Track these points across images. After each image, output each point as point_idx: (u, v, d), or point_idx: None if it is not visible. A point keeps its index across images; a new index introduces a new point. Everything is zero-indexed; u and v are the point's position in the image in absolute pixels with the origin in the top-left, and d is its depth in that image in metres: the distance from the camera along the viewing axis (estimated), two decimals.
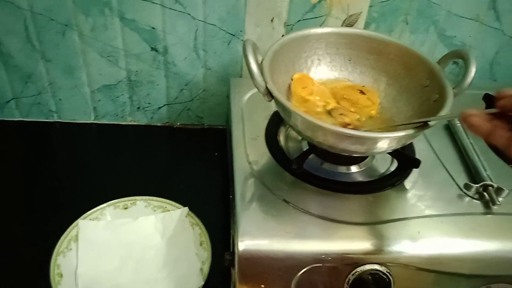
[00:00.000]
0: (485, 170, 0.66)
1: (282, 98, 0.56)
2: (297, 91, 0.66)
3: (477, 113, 0.44)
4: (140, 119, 0.92)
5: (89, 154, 0.86)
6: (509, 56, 0.89)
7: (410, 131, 0.53)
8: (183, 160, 0.86)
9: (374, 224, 0.58)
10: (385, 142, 0.55)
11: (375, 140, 0.54)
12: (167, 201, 0.71)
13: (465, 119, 0.44)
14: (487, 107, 0.80)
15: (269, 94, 0.58)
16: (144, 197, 0.71)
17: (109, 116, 0.91)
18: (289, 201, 0.59)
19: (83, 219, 0.66)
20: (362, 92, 0.69)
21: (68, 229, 0.65)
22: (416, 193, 0.64)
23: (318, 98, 0.66)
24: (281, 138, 0.72)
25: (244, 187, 0.62)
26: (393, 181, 0.64)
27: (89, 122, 0.91)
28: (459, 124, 0.75)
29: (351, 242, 0.56)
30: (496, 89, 0.43)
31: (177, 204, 0.70)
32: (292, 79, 0.67)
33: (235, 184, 0.62)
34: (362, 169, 0.68)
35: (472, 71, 0.59)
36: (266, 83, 0.58)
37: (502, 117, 0.43)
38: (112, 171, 0.82)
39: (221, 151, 0.86)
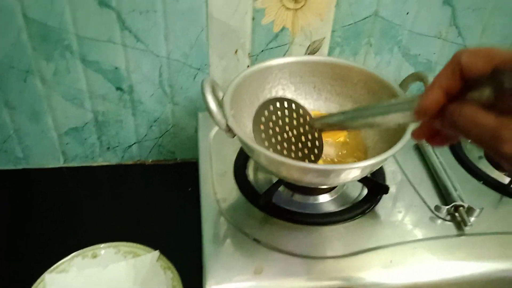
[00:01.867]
0: (456, 190, 0.65)
1: (243, 134, 0.55)
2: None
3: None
4: (111, 159, 0.91)
5: (59, 200, 0.84)
6: None
7: (371, 161, 0.52)
8: (156, 198, 0.85)
9: (346, 256, 0.57)
10: (349, 173, 0.54)
11: (339, 172, 0.53)
12: (137, 245, 0.69)
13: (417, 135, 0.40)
14: None
15: (231, 131, 0.57)
16: (113, 243, 0.69)
17: (79, 158, 0.89)
18: (259, 240, 0.58)
19: (50, 272, 0.64)
20: None
21: (34, 285, 0.62)
22: (388, 219, 0.63)
23: None
24: (250, 172, 0.71)
25: (212, 227, 0.61)
26: (364, 208, 0.63)
27: (58, 166, 0.89)
28: (428, 144, 0.75)
29: (325, 278, 0.54)
30: None
31: (147, 248, 0.69)
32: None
33: (203, 225, 0.61)
34: (333, 197, 0.67)
35: None
36: (226, 120, 0.57)
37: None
38: (83, 217, 0.80)
39: (195, 186, 0.85)
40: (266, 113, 0.58)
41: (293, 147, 0.58)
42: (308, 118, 0.60)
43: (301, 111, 0.60)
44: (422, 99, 0.34)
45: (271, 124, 0.58)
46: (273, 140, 0.57)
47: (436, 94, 0.33)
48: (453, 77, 0.32)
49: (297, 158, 0.58)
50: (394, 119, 0.43)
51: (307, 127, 0.60)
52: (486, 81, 0.30)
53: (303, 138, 0.59)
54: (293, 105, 0.60)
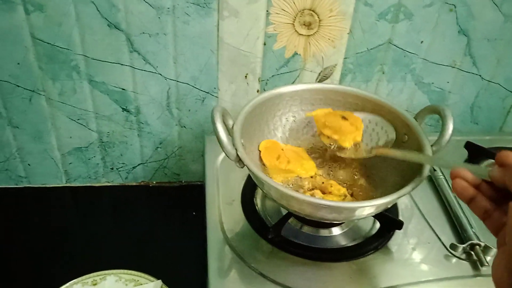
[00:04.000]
0: (471, 227, 0.63)
1: (253, 166, 0.54)
2: (272, 164, 0.63)
3: (465, 174, 0.41)
4: (115, 180, 0.89)
5: (60, 221, 0.82)
6: (489, 99, 0.88)
7: (387, 199, 0.50)
8: (160, 221, 0.82)
9: None
10: (363, 210, 0.52)
11: (353, 210, 0.51)
12: (139, 273, 0.67)
13: (453, 178, 0.41)
14: (469, 156, 0.79)
15: (241, 161, 0.55)
16: (114, 271, 0.67)
17: (82, 178, 0.87)
18: (266, 275, 0.56)
19: None
20: (344, 118, 0.66)
21: None
22: (400, 256, 0.60)
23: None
24: (258, 200, 0.69)
25: (217, 259, 0.59)
26: (375, 244, 0.61)
27: (60, 185, 0.88)
28: (441, 177, 0.73)
29: None
30: (499, 151, 0.39)
31: (149, 277, 0.66)
32: (259, 150, 0.65)
33: (208, 257, 0.59)
34: (344, 230, 0.65)
35: (450, 128, 0.57)
36: (236, 150, 0.55)
37: (489, 183, 0.40)
38: (83, 240, 0.78)
39: (200, 209, 0.83)
40: None
41: None
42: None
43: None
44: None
45: None
46: None
47: None
48: None
49: None
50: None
51: None
52: None
53: None
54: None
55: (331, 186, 0.64)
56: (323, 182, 0.65)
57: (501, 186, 0.38)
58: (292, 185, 0.64)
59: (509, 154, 0.37)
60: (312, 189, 0.65)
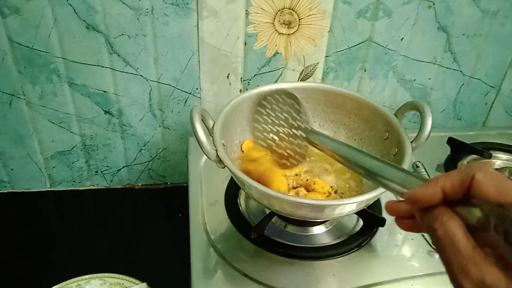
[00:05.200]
0: None
1: (233, 167, 0.53)
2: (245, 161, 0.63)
3: (402, 208, 0.36)
4: (99, 183, 0.88)
5: (44, 226, 0.81)
6: (471, 95, 0.89)
7: (367, 196, 0.50)
8: (146, 223, 0.82)
9: None
10: (344, 208, 0.52)
11: (333, 207, 0.51)
12: (124, 277, 0.66)
13: (399, 224, 0.37)
14: (451, 152, 0.79)
15: (221, 162, 0.55)
16: (99, 275, 0.66)
17: (66, 182, 0.87)
18: (250, 276, 0.56)
19: None
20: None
21: None
22: (384, 253, 0.61)
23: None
24: (242, 201, 0.68)
25: (201, 260, 0.58)
26: (359, 242, 0.61)
27: (44, 190, 0.87)
28: (424, 173, 0.73)
29: None
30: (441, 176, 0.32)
31: (134, 280, 0.66)
32: (242, 150, 0.65)
33: (191, 258, 0.59)
34: (328, 228, 0.65)
35: (428, 124, 0.57)
36: (217, 150, 0.55)
37: None
38: (68, 244, 0.77)
39: (186, 211, 0.82)
40: (271, 99, 0.58)
41: (280, 143, 0.58)
42: (304, 126, 0.58)
43: (301, 115, 0.58)
44: (419, 190, 0.32)
45: (270, 111, 0.59)
46: (268, 127, 0.58)
47: (434, 192, 0.31)
48: (460, 187, 0.30)
49: (279, 155, 0.57)
50: (385, 183, 0.39)
51: (299, 132, 0.58)
52: (487, 209, 0.29)
53: (291, 139, 0.58)
54: (298, 105, 0.58)
55: (315, 184, 0.64)
56: (307, 180, 0.65)
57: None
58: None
59: (416, 199, 0.32)
60: (297, 187, 0.65)
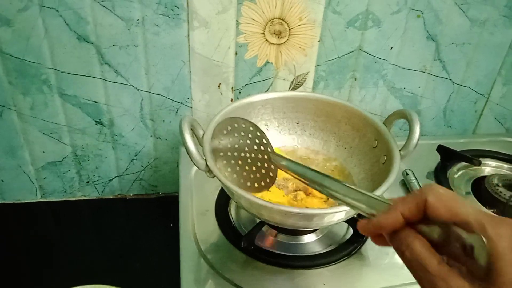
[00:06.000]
0: None
1: (222, 176, 0.54)
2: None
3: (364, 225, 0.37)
4: (91, 193, 0.88)
5: (35, 237, 0.80)
6: (461, 103, 0.90)
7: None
8: (138, 234, 0.82)
9: None
10: (333, 216, 0.52)
11: (322, 216, 0.52)
12: None
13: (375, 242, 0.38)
14: (441, 159, 0.80)
15: (211, 171, 0.55)
16: (91, 286, 0.66)
17: (57, 193, 0.86)
18: (240, 285, 0.56)
19: None
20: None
21: None
22: (375, 261, 0.61)
23: None
24: (233, 210, 0.68)
25: (191, 270, 0.58)
26: (349, 250, 0.61)
27: (35, 201, 0.86)
28: (414, 181, 0.73)
29: None
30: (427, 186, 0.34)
31: None
32: None
33: (181, 268, 0.58)
34: (319, 237, 0.65)
35: (417, 132, 0.58)
36: (206, 160, 0.55)
37: None
38: (59, 255, 0.76)
39: (177, 221, 0.82)
40: (229, 128, 0.57)
41: (247, 167, 0.56)
42: (268, 149, 0.56)
43: (264, 140, 0.56)
44: (382, 218, 0.34)
45: (231, 139, 0.57)
46: (229, 154, 0.56)
47: (395, 218, 0.33)
48: (416, 210, 0.33)
49: (248, 178, 0.56)
50: (352, 204, 0.40)
51: (265, 156, 0.56)
52: (444, 228, 0.31)
53: (258, 164, 0.56)
54: (258, 132, 0.57)
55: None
56: None
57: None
58: (277, 185, 0.64)
59: (381, 227, 0.34)
60: (296, 190, 0.65)
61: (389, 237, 0.34)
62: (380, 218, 0.34)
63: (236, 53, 0.74)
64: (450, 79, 0.85)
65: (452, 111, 0.91)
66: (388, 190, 0.66)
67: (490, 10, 0.79)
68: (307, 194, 0.64)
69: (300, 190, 0.65)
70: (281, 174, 0.62)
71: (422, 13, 0.76)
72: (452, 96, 0.88)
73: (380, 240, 0.36)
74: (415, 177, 0.74)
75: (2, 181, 0.83)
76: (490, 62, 0.85)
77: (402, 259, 0.33)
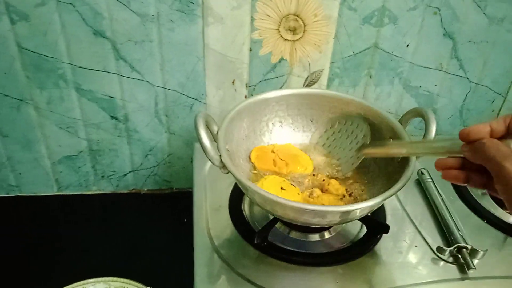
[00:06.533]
0: (459, 230, 0.63)
1: (237, 172, 0.54)
2: (272, 171, 0.65)
3: (447, 163, 0.45)
4: (106, 188, 0.89)
5: (51, 230, 0.82)
6: (478, 102, 0.88)
7: (370, 202, 0.50)
8: (151, 228, 0.82)
9: None
10: (347, 214, 0.52)
11: (336, 214, 0.51)
12: (129, 281, 0.67)
13: (440, 170, 0.46)
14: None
15: (225, 167, 0.55)
16: (103, 279, 0.67)
17: (73, 187, 0.87)
18: (253, 281, 0.56)
19: None
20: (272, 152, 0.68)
21: None
22: (388, 260, 0.60)
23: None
24: (246, 206, 0.69)
25: (204, 265, 0.58)
26: (362, 248, 0.61)
27: (51, 194, 0.88)
28: (429, 180, 0.73)
29: None
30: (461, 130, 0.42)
31: (138, 284, 0.66)
32: (253, 162, 0.66)
33: (195, 263, 0.59)
34: (332, 234, 0.65)
35: (433, 130, 0.57)
36: (220, 156, 0.55)
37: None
38: (74, 247, 0.78)
39: (191, 216, 0.83)
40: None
41: None
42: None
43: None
44: (472, 126, 0.41)
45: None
46: None
47: (484, 125, 0.41)
48: (503, 123, 0.41)
49: None
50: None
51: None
52: None
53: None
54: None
55: (329, 185, 0.63)
56: (323, 180, 0.65)
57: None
58: (293, 182, 0.64)
59: (469, 131, 0.41)
60: (312, 187, 0.65)
61: (471, 146, 0.40)
62: (471, 127, 0.41)
63: (250, 49, 0.74)
64: (467, 78, 0.84)
65: (468, 110, 0.89)
66: (403, 190, 0.66)
67: (508, 8, 0.77)
68: (324, 191, 0.63)
69: (316, 186, 0.64)
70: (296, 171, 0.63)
71: (439, 10, 0.75)
72: (469, 95, 0.87)
73: (451, 173, 0.44)
74: (430, 176, 0.73)
75: (20, 174, 0.84)
76: (507, 60, 0.83)
77: (481, 152, 0.39)
